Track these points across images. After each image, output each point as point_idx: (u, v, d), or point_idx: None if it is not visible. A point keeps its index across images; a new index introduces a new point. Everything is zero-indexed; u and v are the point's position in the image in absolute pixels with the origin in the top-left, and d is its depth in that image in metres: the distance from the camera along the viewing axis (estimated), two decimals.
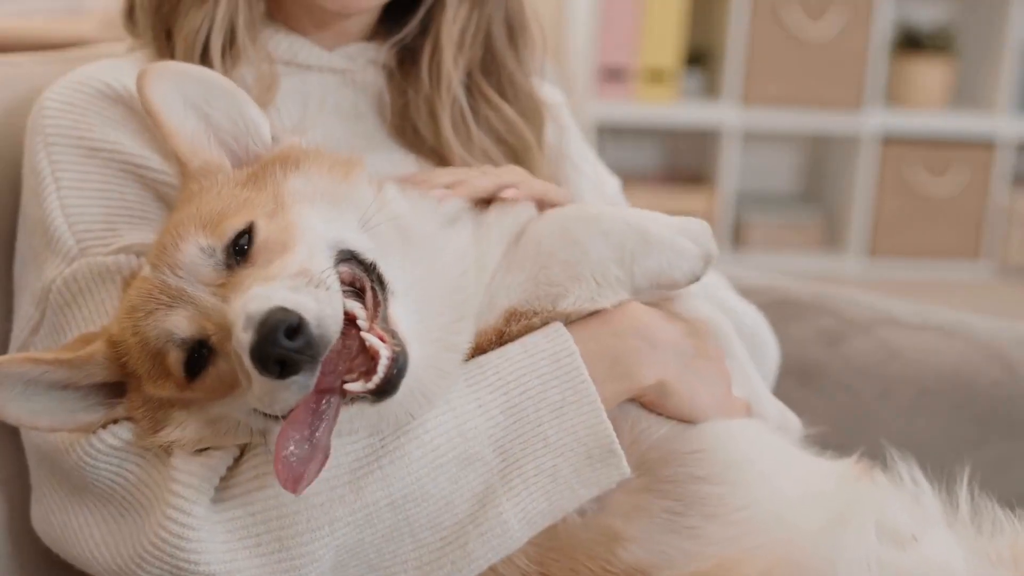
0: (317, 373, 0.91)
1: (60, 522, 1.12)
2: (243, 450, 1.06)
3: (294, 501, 1.02)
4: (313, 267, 0.95)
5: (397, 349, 0.95)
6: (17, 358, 1.03)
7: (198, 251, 0.99)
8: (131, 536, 1.05)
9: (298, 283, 0.93)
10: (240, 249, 0.99)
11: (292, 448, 0.93)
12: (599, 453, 1.07)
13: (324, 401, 0.94)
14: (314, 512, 1.02)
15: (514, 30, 1.39)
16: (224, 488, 1.04)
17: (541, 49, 1.43)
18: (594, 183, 1.52)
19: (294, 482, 0.93)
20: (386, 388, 0.94)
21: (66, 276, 1.14)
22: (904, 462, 1.18)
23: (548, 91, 1.52)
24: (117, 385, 1.06)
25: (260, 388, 0.92)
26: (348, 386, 0.94)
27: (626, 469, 1.08)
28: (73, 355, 1.04)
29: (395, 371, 0.94)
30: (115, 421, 1.07)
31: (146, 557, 1.02)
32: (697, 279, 1.14)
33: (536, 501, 1.06)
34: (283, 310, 0.89)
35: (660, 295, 1.17)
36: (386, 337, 0.95)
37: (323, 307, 0.91)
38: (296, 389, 0.91)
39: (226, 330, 0.94)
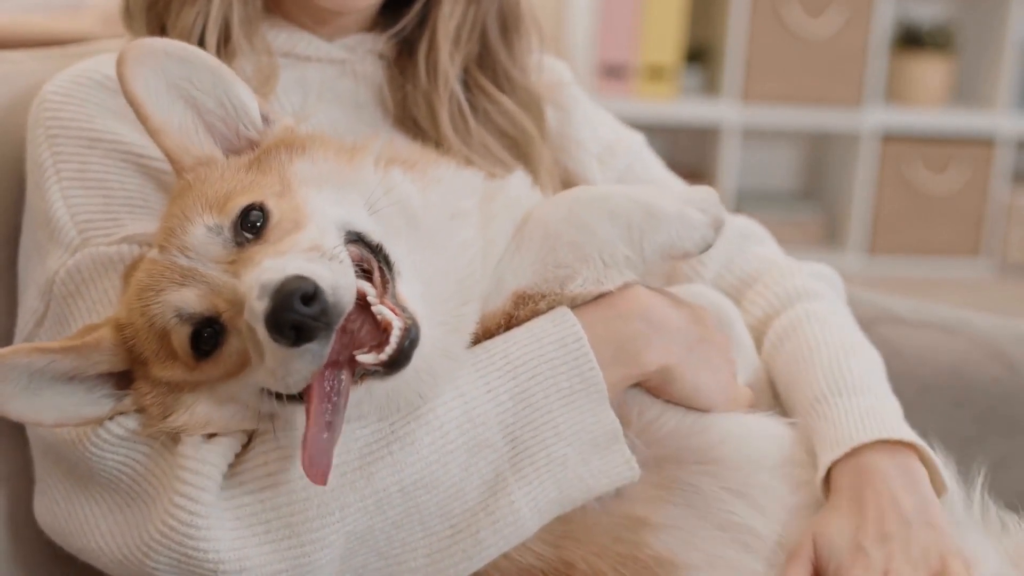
0: (331, 342, 0.91)
1: (65, 513, 1.12)
2: (251, 437, 1.06)
3: (304, 487, 1.02)
4: (325, 243, 0.96)
5: (408, 321, 0.95)
6: (22, 348, 1.02)
7: (205, 231, 0.99)
8: (138, 525, 1.05)
9: (311, 256, 0.93)
10: (250, 226, 0.99)
11: (318, 438, 0.93)
12: (604, 441, 1.08)
13: (335, 380, 0.94)
14: (324, 498, 1.02)
15: (507, 24, 1.39)
16: (232, 475, 1.03)
17: (538, 41, 1.43)
18: (598, 156, 1.51)
19: (323, 476, 0.93)
20: (399, 359, 0.94)
21: (69, 267, 1.14)
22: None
23: (554, 67, 1.52)
24: (123, 376, 1.05)
25: (273, 359, 0.92)
26: (361, 357, 0.94)
27: (628, 455, 1.08)
28: (80, 342, 1.03)
29: (407, 342, 0.94)
30: (122, 414, 1.07)
31: (153, 546, 1.02)
32: (709, 246, 1.14)
33: (547, 489, 1.06)
34: (299, 277, 0.89)
35: (674, 266, 1.18)
36: (397, 310, 0.95)
37: (337, 276, 0.91)
38: (310, 358, 0.91)
39: (237, 306, 0.94)
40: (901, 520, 1.10)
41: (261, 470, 1.03)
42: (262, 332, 0.90)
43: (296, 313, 0.88)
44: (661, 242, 1.12)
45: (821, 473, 1.15)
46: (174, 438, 1.04)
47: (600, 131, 1.54)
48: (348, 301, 0.92)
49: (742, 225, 1.48)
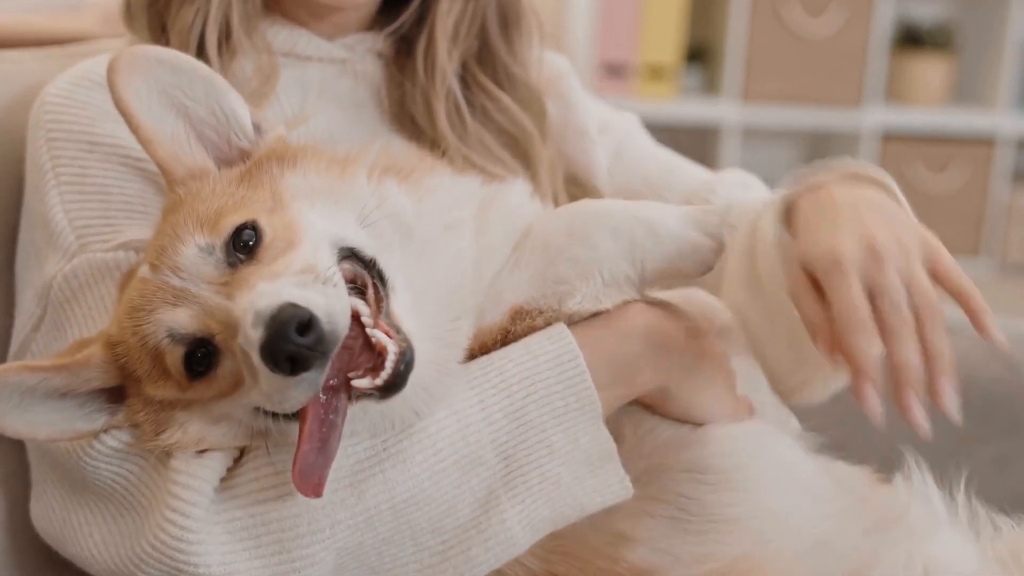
0: (327, 369, 0.90)
1: (60, 520, 1.12)
2: (243, 451, 1.05)
3: (294, 503, 1.01)
4: (318, 263, 0.95)
5: (403, 344, 0.94)
6: (13, 367, 1.01)
7: (197, 251, 0.98)
8: (130, 537, 1.04)
9: (305, 279, 0.92)
10: (242, 246, 0.98)
11: (309, 456, 0.93)
12: (598, 459, 1.07)
13: (332, 400, 0.94)
14: (315, 514, 1.01)
15: (507, 20, 1.38)
16: (224, 489, 1.03)
17: (539, 36, 1.42)
18: (599, 140, 1.49)
19: (315, 489, 0.93)
20: (395, 383, 0.94)
21: (66, 272, 1.14)
22: (915, 462, 1.18)
23: (554, 61, 1.51)
24: (116, 390, 1.05)
25: (269, 385, 0.91)
26: (356, 382, 0.93)
27: (622, 474, 1.07)
28: (70, 360, 1.02)
29: (402, 366, 0.94)
30: (115, 428, 1.06)
31: (145, 559, 1.02)
32: (710, 269, 1.12)
33: (539, 508, 1.05)
34: (294, 306, 0.88)
35: (673, 285, 1.17)
36: (392, 333, 0.95)
37: (332, 303, 0.91)
38: (306, 386, 0.90)
39: (231, 328, 0.93)
40: (882, 214, 1.05)
41: (253, 485, 1.02)
42: (257, 360, 0.89)
43: (291, 343, 0.87)
44: (662, 262, 1.10)
45: (779, 204, 1.10)
46: (167, 452, 1.04)
47: (595, 114, 1.53)
48: (343, 327, 0.91)
49: (742, 177, 1.47)
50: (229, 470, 1.04)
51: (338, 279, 0.94)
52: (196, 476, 1.02)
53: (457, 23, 1.35)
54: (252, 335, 0.89)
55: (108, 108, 1.19)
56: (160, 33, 1.26)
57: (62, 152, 1.18)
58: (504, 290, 1.11)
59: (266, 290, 0.91)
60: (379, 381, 0.93)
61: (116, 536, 1.06)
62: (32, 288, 1.17)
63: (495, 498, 1.05)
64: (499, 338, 1.10)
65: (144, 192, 1.17)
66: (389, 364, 0.93)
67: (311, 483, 0.93)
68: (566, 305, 1.10)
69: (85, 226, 1.15)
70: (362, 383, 0.93)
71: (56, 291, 1.14)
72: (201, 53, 1.24)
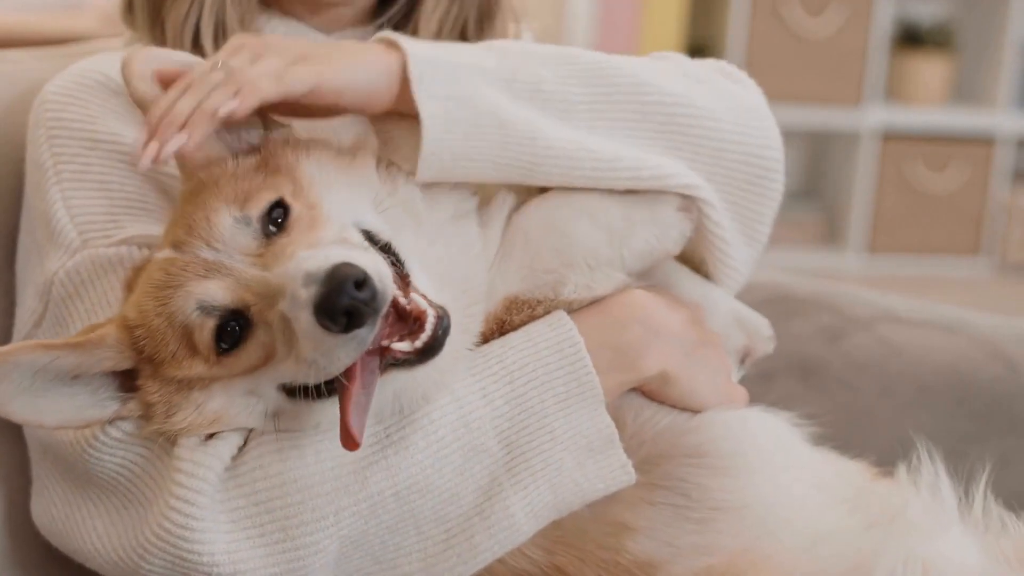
0: (377, 327, 0.93)
1: (62, 514, 1.12)
2: (246, 440, 1.05)
3: (299, 491, 1.02)
4: (350, 237, 0.98)
5: (440, 310, 0.97)
6: (26, 345, 1.01)
7: (233, 222, 1.00)
8: (134, 527, 1.05)
9: (347, 246, 0.96)
10: (273, 222, 1.01)
11: (356, 411, 0.95)
12: (600, 445, 1.08)
13: (369, 365, 0.96)
14: (319, 502, 1.02)
15: (483, 18, 1.39)
16: (229, 478, 1.03)
17: (514, 25, 1.42)
18: None
19: (355, 442, 0.95)
20: (433, 346, 0.96)
21: (68, 268, 1.14)
22: (928, 457, 1.18)
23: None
24: (126, 378, 1.05)
25: (315, 348, 0.93)
26: (396, 345, 0.96)
27: (624, 459, 1.08)
28: (84, 338, 1.03)
29: (440, 330, 0.96)
30: (124, 418, 1.06)
31: (149, 548, 1.02)
32: (687, 237, 1.16)
33: (542, 494, 1.06)
34: (349, 264, 0.91)
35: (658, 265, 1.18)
36: (427, 298, 0.98)
37: (378, 264, 0.94)
38: (355, 345, 0.92)
39: (269, 298, 0.95)
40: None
41: (257, 473, 1.03)
42: (307, 320, 0.91)
43: (350, 297, 0.90)
44: (640, 247, 1.14)
45: None
46: (172, 440, 1.04)
47: None
48: (391, 287, 0.94)
49: (720, 65, 1.42)
50: (233, 458, 1.04)
51: (371, 248, 0.97)
52: (201, 464, 1.02)
53: (441, 21, 1.36)
54: (303, 294, 0.91)
55: (109, 106, 1.20)
56: (158, 28, 1.27)
57: (63, 149, 1.19)
58: (495, 281, 1.13)
59: (311, 255, 0.93)
60: (419, 343, 0.96)
61: (119, 527, 1.06)
62: (33, 285, 1.18)
63: (498, 485, 1.06)
64: (495, 328, 1.11)
65: (144, 189, 1.18)
66: (429, 327, 0.96)
67: (355, 436, 0.95)
68: (561, 294, 1.12)
69: (87, 222, 1.16)
70: (402, 346, 0.95)
71: (58, 287, 1.14)
72: (196, 46, 1.24)
